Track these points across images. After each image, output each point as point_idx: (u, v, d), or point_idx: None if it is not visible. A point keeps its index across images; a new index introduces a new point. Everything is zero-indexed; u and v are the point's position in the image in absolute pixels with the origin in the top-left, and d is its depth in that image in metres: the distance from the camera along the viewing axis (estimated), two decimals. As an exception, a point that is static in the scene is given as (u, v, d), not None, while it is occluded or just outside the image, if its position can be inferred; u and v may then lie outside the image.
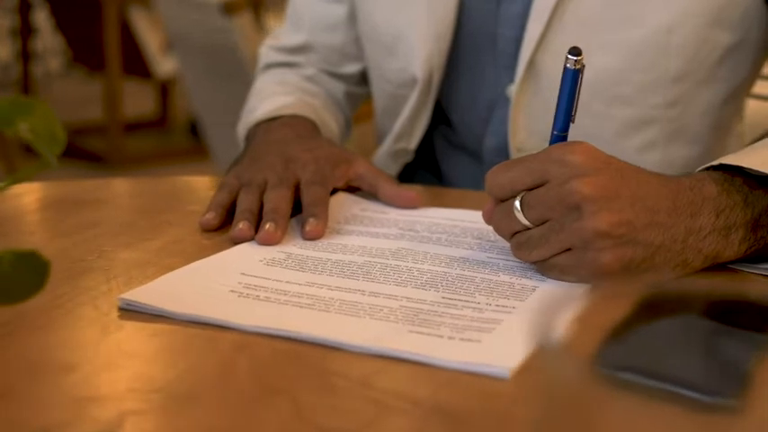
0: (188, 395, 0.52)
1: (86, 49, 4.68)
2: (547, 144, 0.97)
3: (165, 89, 4.95)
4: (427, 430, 0.49)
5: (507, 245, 0.74)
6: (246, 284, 0.67)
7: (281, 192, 0.81)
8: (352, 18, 1.13)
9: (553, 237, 0.67)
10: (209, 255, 0.74)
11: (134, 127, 4.74)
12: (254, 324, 0.60)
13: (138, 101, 4.96)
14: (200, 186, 0.97)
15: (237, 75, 2.61)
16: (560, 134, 0.73)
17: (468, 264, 0.72)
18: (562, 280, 0.69)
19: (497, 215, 0.71)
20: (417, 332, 0.59)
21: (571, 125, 0.96)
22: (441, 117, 1.07)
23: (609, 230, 0.65)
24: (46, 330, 0.60)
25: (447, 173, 1.11)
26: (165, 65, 4.46)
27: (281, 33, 1.20)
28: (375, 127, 1.16)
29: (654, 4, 0.92)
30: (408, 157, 1.08)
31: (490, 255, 0.74)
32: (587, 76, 0.94)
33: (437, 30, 1.00)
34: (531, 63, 0.95)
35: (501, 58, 1.01)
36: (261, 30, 2.70)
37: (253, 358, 0.57)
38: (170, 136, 4.88)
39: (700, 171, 0.73)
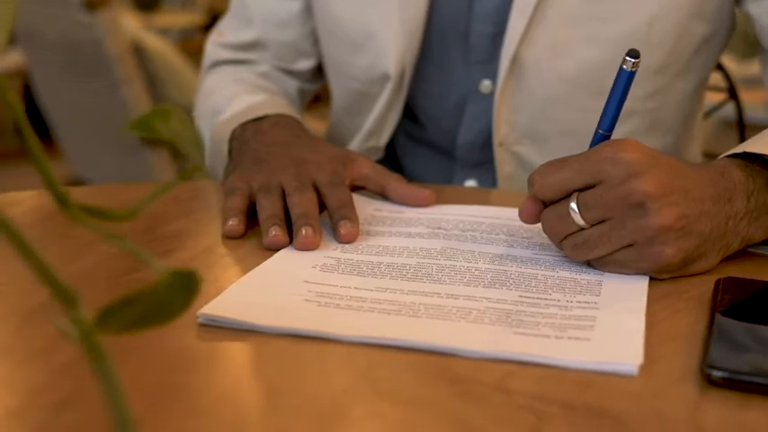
0: (333, 409, 0.49)
1: None
2: (529, 138, 0.98)
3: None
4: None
5: (545, 240, 0.74)
6: (318, 293, 0.64)
7: (307, 195, 0.78)
8: (306, 13, 1.10)
9: (614, 235, 0.67)
10: (247, 263, 0.71)
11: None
12: (362, 334, 0.57)
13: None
14: (189, 194, 0.92)
15: (100, 71, 2.50)
16: (605, 133, 0.73)
17: (520, 261, 0.72)
18: (620, 273, 0.69)
19: (550, 217, 0.70)
20: (522, 333, 0.58)
21: (554, 119, 0.98)
22: (404, 112, 1.06)
23: (672, 224, 0.66)
24: (150, 357, 0.56)
25: (410, 168, 1.10)
26: (-8, 62, 4.23)
27: (226, 30, 1.15)
28: (333, 125, 1.13)
29: None
30: (379, 155, 1.06)
31: (534, 251, 0.74)
32: (571, 70, 0.96)
33: (409, 26, 0.99)
34: (515, 58, 0.95)
35: (473, 53, 1.00)
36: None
37: (382, 369, 0.54)
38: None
39: (721, 159, 0.75)
